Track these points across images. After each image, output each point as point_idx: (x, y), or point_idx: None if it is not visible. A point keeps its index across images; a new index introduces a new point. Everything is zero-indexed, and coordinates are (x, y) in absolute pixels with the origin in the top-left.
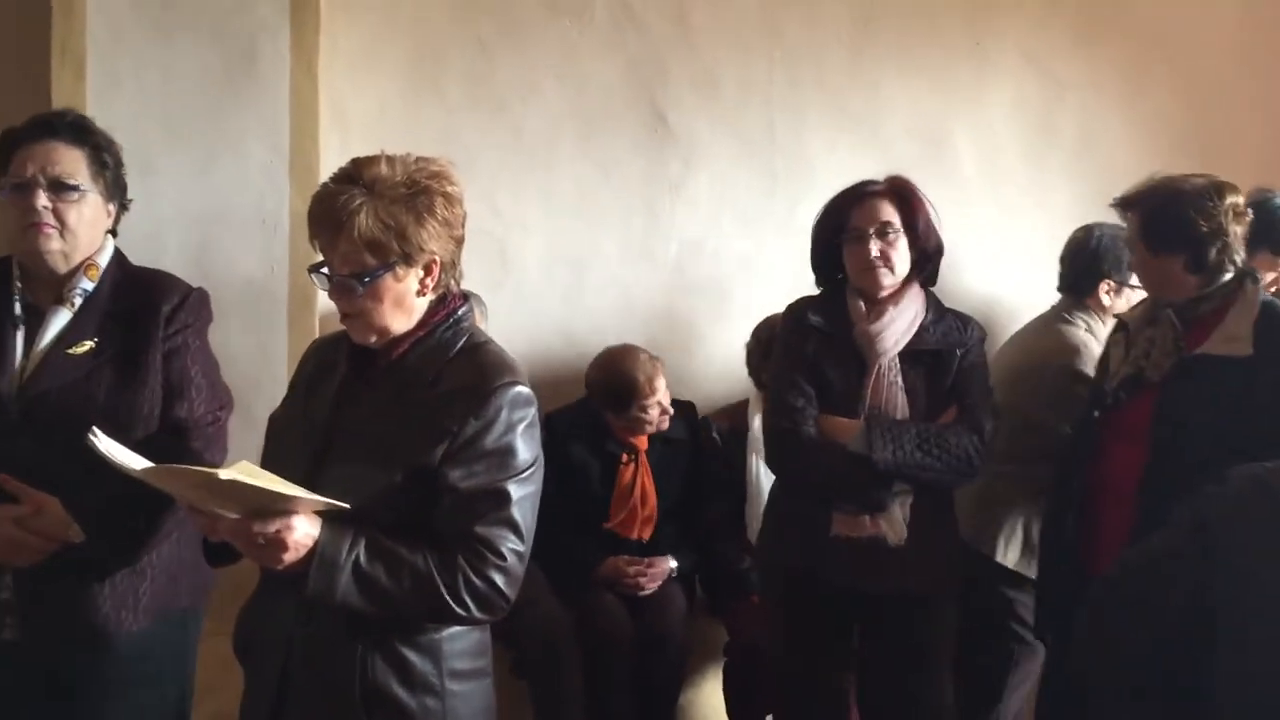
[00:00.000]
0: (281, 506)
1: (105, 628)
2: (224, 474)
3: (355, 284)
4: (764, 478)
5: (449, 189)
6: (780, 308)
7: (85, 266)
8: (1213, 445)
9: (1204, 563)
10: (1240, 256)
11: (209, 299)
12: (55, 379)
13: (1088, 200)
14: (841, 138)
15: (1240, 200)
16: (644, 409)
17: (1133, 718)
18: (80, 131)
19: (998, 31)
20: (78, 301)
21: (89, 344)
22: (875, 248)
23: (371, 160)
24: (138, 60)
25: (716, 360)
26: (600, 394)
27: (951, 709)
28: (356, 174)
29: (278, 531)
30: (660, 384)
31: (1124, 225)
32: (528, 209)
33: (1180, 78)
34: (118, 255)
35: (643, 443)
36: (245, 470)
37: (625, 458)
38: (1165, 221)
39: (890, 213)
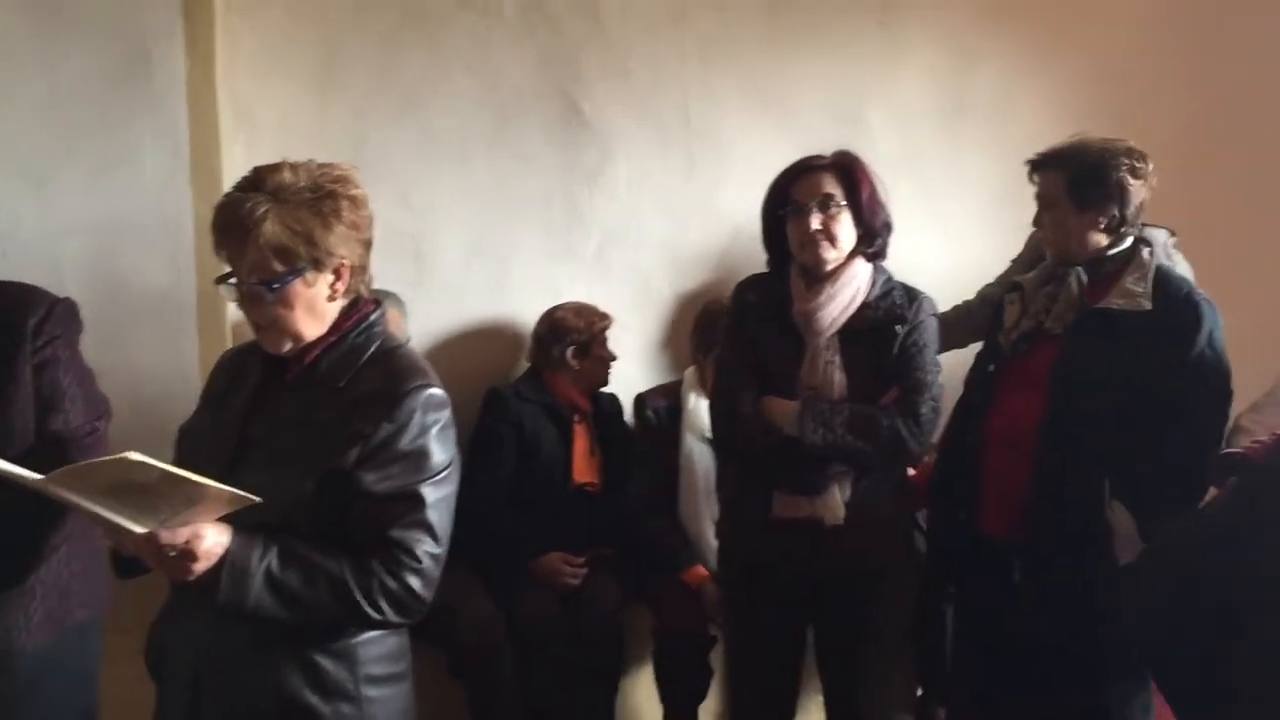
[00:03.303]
0: (192, 500)
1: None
2: (135, 455)
3: (265, 291)
4: (697, 456)
5: (354, 192)
6: (705, 294)
7: None
8: (1110, 394)
9: (1256, 537)
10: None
11: (77, 309)
12: None
13: (1003, 173)
14: (757, 120)
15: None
16: (604, 343)
17: (1179, 692)
18: None
19: (906, 7)
20: None
21: None
22: (816, 220)
23: (274, 167)
24: (24, 69)
25: (642, 350)
26: (560, 340)
27: (904, 689)
28: (260, 181)
29: (187, 542)
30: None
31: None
32: (443, 205)
33: (1092, 46)
34: None
35: (586, 404)
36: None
37: (577, 417)
38: (1098, 179)
39: (832, 186)
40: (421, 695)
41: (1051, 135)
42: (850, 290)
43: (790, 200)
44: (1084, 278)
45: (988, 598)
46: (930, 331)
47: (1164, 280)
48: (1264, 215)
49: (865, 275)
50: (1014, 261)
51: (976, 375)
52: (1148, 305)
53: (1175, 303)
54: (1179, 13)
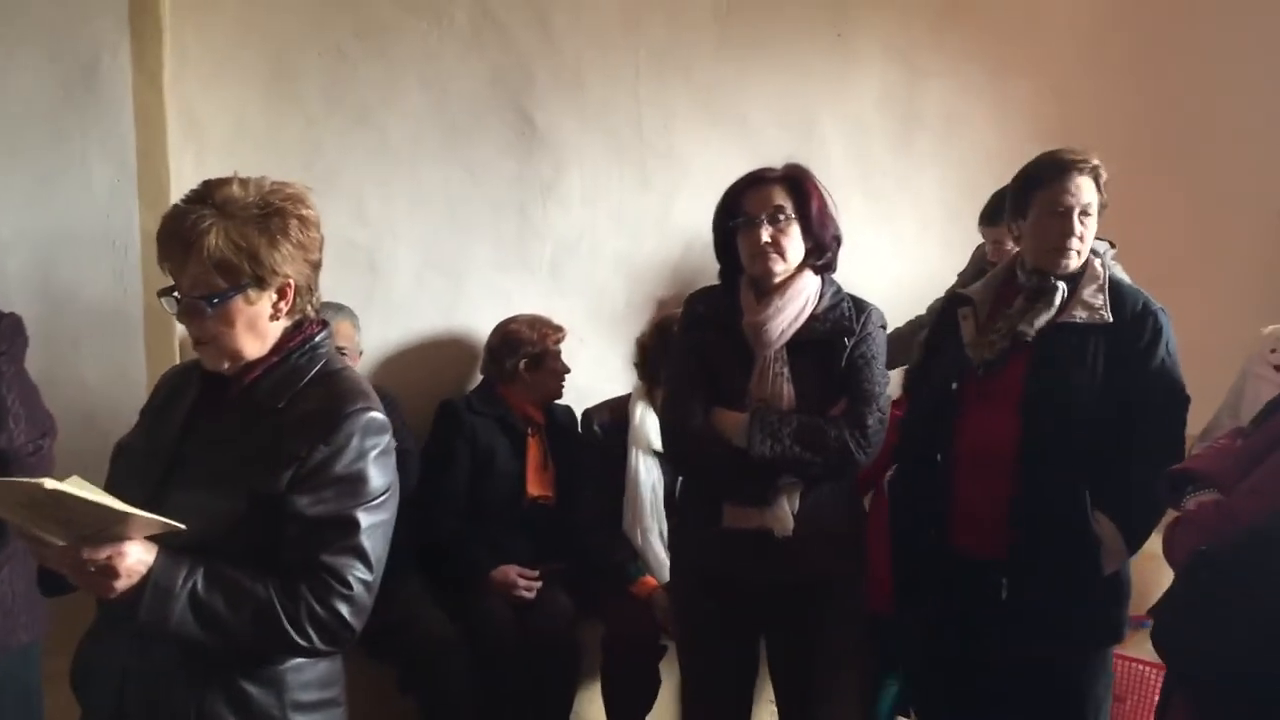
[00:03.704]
0: (114, 524)
1: None
2: (49, 484)
3: (205, 306)
4: (644, 470)
5: (304, 212)
6: (660, 306)
7: None
8: (1081, 407)
9: None
10: None
11: (22, 324)
12: None
13: (953, 185)
14: (711, 132)
15: None
16: (558, 355)
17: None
18: None
19: (858, 21)
20: None
21: None
22: (766, 233)
23: (224, 181)
24: None
25: (598, 363)
26: (513, 353)
27: (857, 699)
28: (207, 194)
29: (108, 558)
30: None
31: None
32: (396, 217)
33: (1038, 62)
34: None
35: (540, 416)
36: (76, 485)
37: (530, 430)
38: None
39: (782, 198)
40: (367, 715)
41: (1000, 149)
42: (799, 302)
43: (741, 212)
44: (1066, 291)
45: (964, 614)
46: (878, 343)
47: (1118, 291)
48: (1204, 228)
49: (814, 287)
50: (960, 275)
51: (934, 391)
52: (1109, 317)
53: (1134, 314)
54: (1123, 29)
